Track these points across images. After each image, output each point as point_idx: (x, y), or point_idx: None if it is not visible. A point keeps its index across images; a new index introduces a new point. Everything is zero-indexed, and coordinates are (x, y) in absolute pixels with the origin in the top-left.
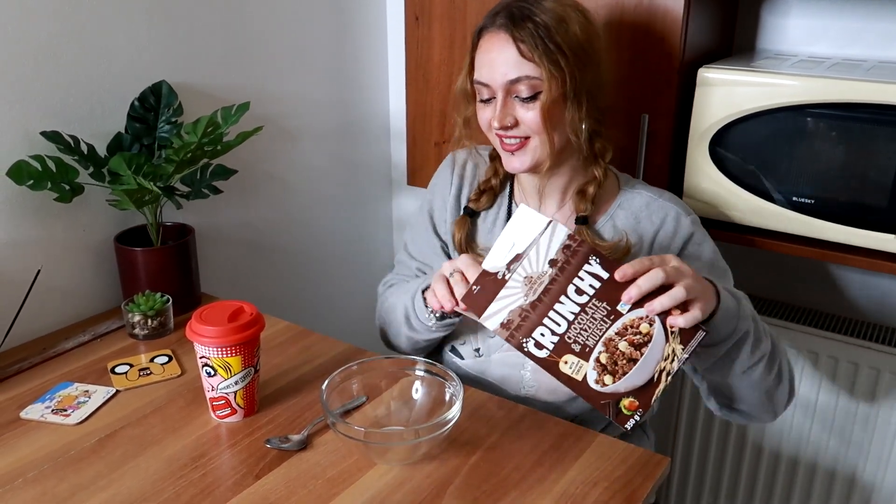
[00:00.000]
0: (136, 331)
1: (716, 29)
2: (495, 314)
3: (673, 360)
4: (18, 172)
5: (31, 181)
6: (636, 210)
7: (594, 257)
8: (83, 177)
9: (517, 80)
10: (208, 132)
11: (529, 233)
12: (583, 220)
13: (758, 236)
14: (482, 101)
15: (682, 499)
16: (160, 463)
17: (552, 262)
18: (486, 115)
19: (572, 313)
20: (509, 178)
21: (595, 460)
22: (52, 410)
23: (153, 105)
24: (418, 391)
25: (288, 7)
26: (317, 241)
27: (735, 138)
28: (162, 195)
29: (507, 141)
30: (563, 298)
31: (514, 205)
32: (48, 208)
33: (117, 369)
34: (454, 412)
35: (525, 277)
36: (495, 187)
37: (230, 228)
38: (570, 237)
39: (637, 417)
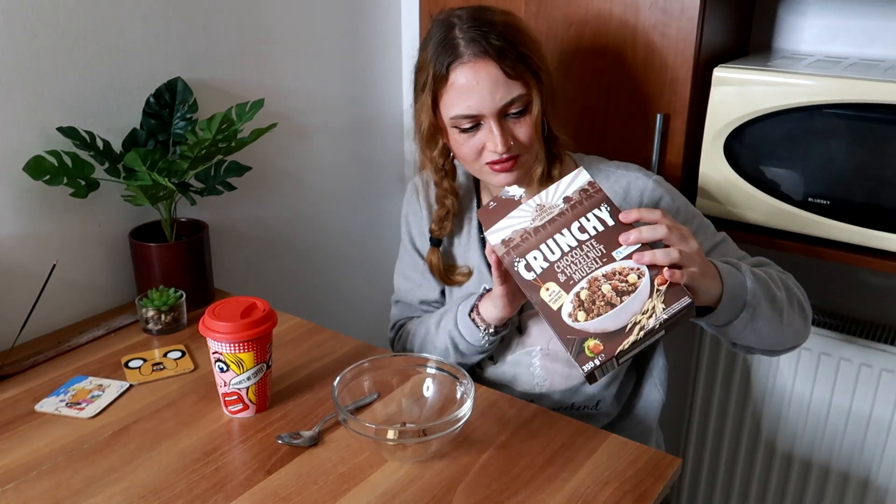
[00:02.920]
0: (150, 326)
1: (732, 28)
2: (500, 230)
3: (651, 317)
4: (35, 167)
5: (48, 176)
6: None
7: (606, 205)
8: (98, 172)
9: (511, 103)
10: (223, 128)
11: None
12: None
13: (772, 237)
14: (462, 131)
15: (693, 499)
16: (173, 456)
17: (566, 199)
18: (475, 144)
19: (569, 246)
20: (471, 190)
21: (606, 460)
22: (67, 404)
23: (168, 101)
24: (429, 389)
25: (302, 4)
26: (329, 238)
27: (750, 138)
28: (176, 191)
29: (499, 166)
30: (564, 231)
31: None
32: (64, 203)
33: (131, 364)
34: (465, 410)
35: (538, 205)
36: (452, 208)
37: (244, 225)
38: (590, 183)
39: (597, 362)
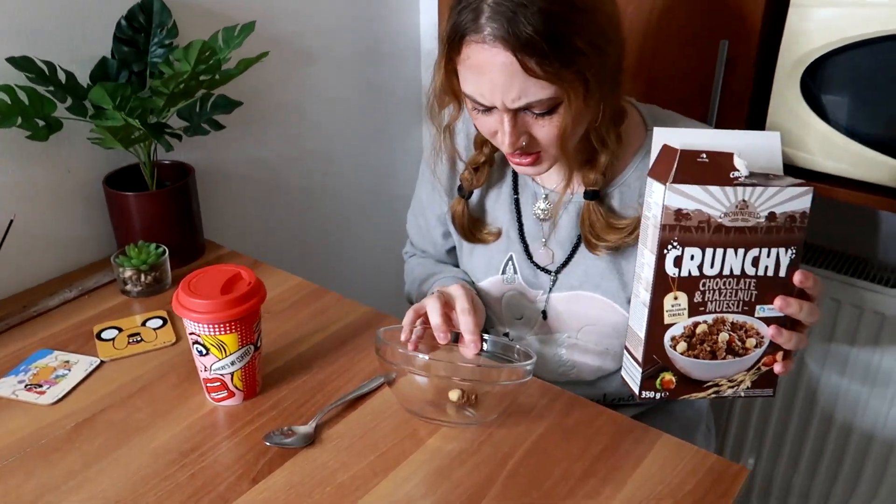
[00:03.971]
0: (128, 287)
1: None
2: (685, 196)
3: (732, 388)
4: None
5: None
6: None
7: (793, 250)
8: (62, 110)
9: (528, 106)
10: (204, 58)
11: (766, 161)
12: (592, 196)
13: (854, 189)
14: (475, 106)
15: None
16: (144, 458)
17: (771, 216)
18: (488, 126)
19: (731, 271)
20: None
21: (658, 469)
22: (26, 386)
23: (143, 25)
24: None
25: None
26: (336, 179)
27: (834, 72)
28: (150, 135)
29: (516, 160)
30: (740, 251)
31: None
32: (23, 148)
33: (104, 334)
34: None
35: (742, 201)
36: (490, 158)
37: (238, 168)
38: (802, 214)
39: (658, 396)
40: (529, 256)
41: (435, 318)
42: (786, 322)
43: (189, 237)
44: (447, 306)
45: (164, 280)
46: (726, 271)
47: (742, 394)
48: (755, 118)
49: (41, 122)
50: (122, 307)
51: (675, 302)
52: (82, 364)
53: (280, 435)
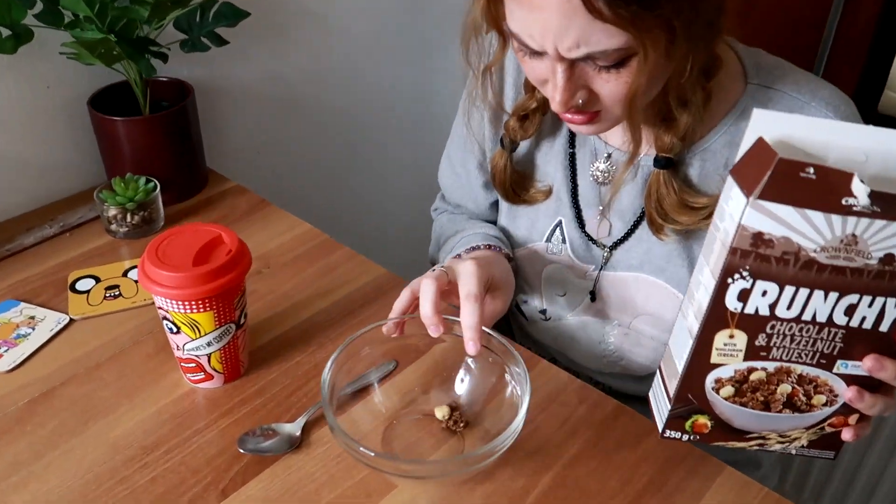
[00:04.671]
0: (113, 227)
1: None
2: (770, 217)
3: (784, 443)
4: None
5: None
6: None
7: None
8: (33, 18)
9: (590, 56)
10: None
11: None
12: (665, 163)
13: None
14: (526, 52)
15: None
16: (100, 451)
17: (888, 258)
18: (538, 73)
19: (814, 316)
20: None
21: None
22: None
23: None
24: (465, 376)
25: None
26: (362, 103)
27: None
28: (127, 53)
29: (569, 116)
30: (833, 295)
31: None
32: None
33: (79, 285)
34: (512, 431)
35: (849, 236)
36: (543, 103)
37: (245, 85)
38: None
39: (684, 437)
40: (581, 225)
41: (425, 307)
42: (870, 383)
43: (188, 169)
44: (450, 288)
45: (155, 220)
46: (807, 316)
47: (793, 451)
48: (874, 68)
49: (6, 31)
50: (107, 250)
51: (730, 341)
52: (49, 322)
53: (258, 437)
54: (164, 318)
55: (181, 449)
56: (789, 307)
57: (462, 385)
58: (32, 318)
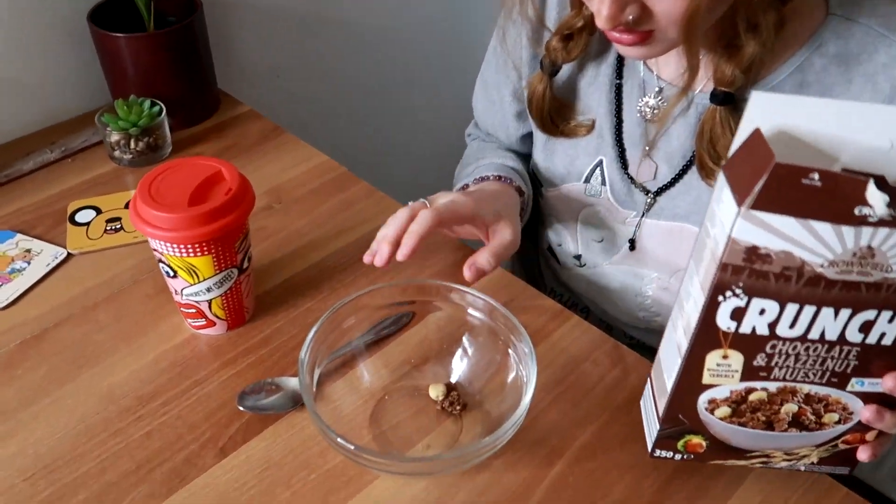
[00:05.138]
0: (117, 154)
1: None
2: (761, 227)
3: (791, 461)
4: None
5: None
6: (849, 60)
7: None
8: None
9: None
10: None
11: None
12: (723, 99)
13: None
14: None
15: None
16: (93, 401)
17: None
18: None
19: (823, 334)
20: None
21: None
22: None
23: None
24: (464, 353)
25: None
26: (390, 21)
27: None
28: None
29: (616, 35)
30: (844, 312)
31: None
32: None
33: (78, 216)
34: (515, 420)
35: (865, 248)
36: (590, 22)
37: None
38: None
39: (677, 457)
40: (625, 166)
41: (385, 229)
42: (891, 400)
43: (196, 92)
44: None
45: (161, 147)
46: (814, 334)
47: (802, 468)
48: None
49: None
50: (110, 178)
51: (724, 361)
52: (45, 256)
53: (260, 393)
54: (160, 260)
55: (179, 401)
56: (793, 326)
57: (461, 363)
58: (28, 251)
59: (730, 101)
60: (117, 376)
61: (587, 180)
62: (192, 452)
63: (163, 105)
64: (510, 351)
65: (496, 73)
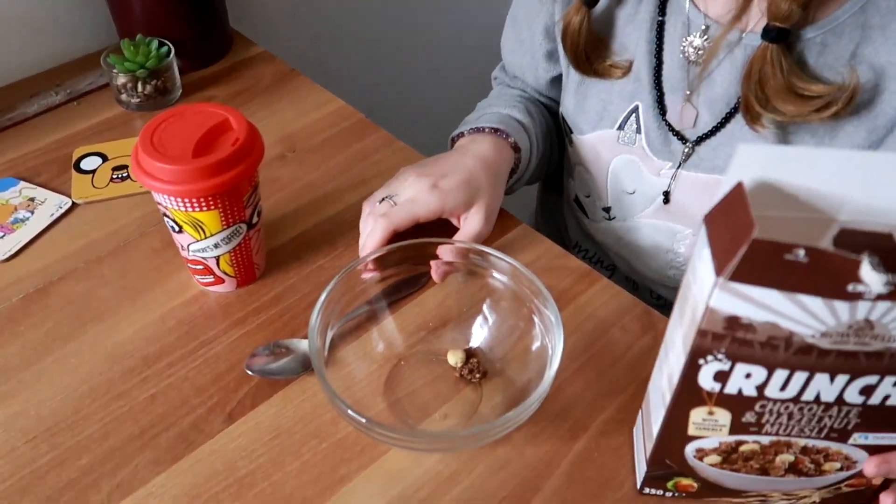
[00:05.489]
0: (124, 97)
1: None
2: (741, 299)
3: (791, 500)
4: None
5: None
6: None
7: None
8: None
9: None
10: None
11: None
12: (776, 36)
13: None
14: None
15: None
16: (97, 360)
17: None
18: None
19: (819, 395)
20: None
21: None
22: None
23: None
24: (485, 318)
25: None
26: None
27: None
28: None
29: None
30: (842, 378)
31: None
32: None
33: (84, 164)
34: (538, 395)
35: (862, 320)
36: None
37: None
38: None
39: (667, 495)
40: (663, 112)
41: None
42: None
43: (207, 31)
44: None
45: (170, 90)
46: (808, 396)
47: None
48: None
49: None
50: (118, 123)
51: (710, 417)
52: (49, 206)
53: (270, 356)
54: (164, 215)
55: (185, 363)
56: (783, 388)
57: (481, 328)
58: (32, 199)
59: (783, 39)
60: (122, 335)
61: (621, 127)
62: (199, 417)
63: (171, 46)
64: (534, 317)
65: (528, 7)
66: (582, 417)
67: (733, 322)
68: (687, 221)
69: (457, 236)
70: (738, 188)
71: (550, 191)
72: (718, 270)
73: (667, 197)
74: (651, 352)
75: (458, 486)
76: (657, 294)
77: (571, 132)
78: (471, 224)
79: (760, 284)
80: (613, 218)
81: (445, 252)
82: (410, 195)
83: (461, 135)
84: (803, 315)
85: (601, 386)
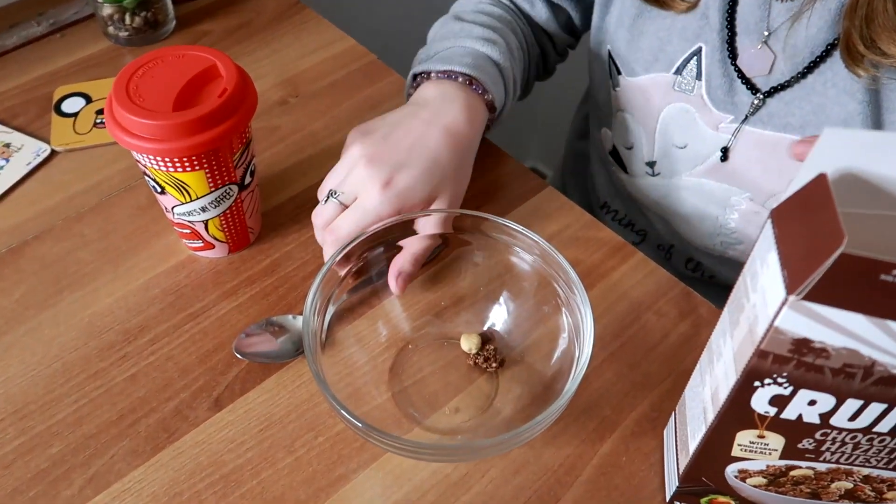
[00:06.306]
0: (111, 30)
1: None
2: (815, 320)
3: None
4: None
5: None
6: None
7: None
8: None
9: None
10: None
11: None
12: None
13: None
14: None
15: None
16: (72, 334)
17: None
18: None
19: (894, 430)
20: None
21: None
22: None
23: None
24: (508, 296)
25: None
26: None
27: None
28: None
29: None
30: None
31: None
32: None
33: (65, 105)
34: (563, 400)
35: None
36: None
37: None
38: None
39: None
40: (732, 56)
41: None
42: None
43: None
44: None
45: (162, 22)
46: (882, 428)
47: None
48: None
49: None
50: (104, 59)
51: (760, 440)
52: (26, 153)
53: (262, 335)
54: (145, 174)
55: (170, 338)
56: (853, 419)
57: (499, 310)
58: (7, 146)
59: None
60: (100, 304)
61: (678, 71)
62: (183, 402)
63: None
64: (559, 301)
65: None
66: (611, 415)
67: (802, 345)
68: (745, 184)
69: (406, 247)
70: (821, 181)
71: (579, 142)
72: (790, 286)
73: (725, 154)
74: (690, 341)
75: (469, 493)
76: (695, 263)
77: (620, 73)
78: (426, 227)
79: (843, 307)
80: (658, 174)
81: (410, 246)
82: (360, 200)
83: (426, 74)
84: (892, 344)
85: (633, 379)
